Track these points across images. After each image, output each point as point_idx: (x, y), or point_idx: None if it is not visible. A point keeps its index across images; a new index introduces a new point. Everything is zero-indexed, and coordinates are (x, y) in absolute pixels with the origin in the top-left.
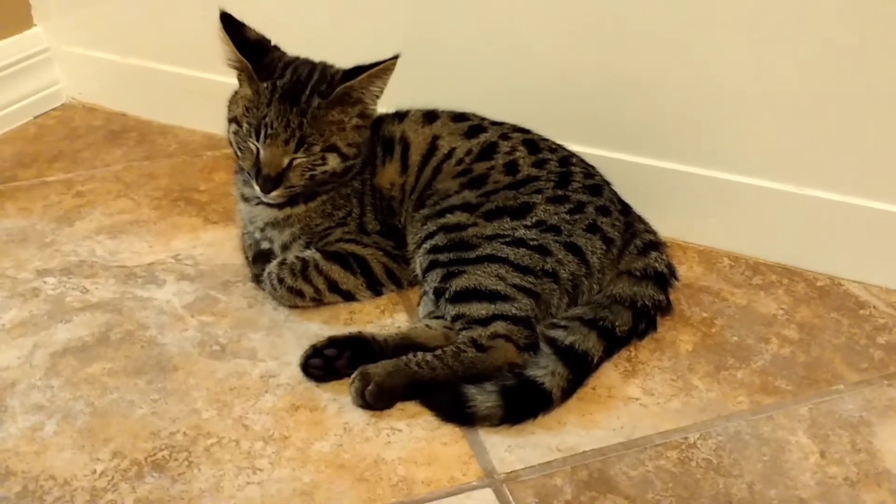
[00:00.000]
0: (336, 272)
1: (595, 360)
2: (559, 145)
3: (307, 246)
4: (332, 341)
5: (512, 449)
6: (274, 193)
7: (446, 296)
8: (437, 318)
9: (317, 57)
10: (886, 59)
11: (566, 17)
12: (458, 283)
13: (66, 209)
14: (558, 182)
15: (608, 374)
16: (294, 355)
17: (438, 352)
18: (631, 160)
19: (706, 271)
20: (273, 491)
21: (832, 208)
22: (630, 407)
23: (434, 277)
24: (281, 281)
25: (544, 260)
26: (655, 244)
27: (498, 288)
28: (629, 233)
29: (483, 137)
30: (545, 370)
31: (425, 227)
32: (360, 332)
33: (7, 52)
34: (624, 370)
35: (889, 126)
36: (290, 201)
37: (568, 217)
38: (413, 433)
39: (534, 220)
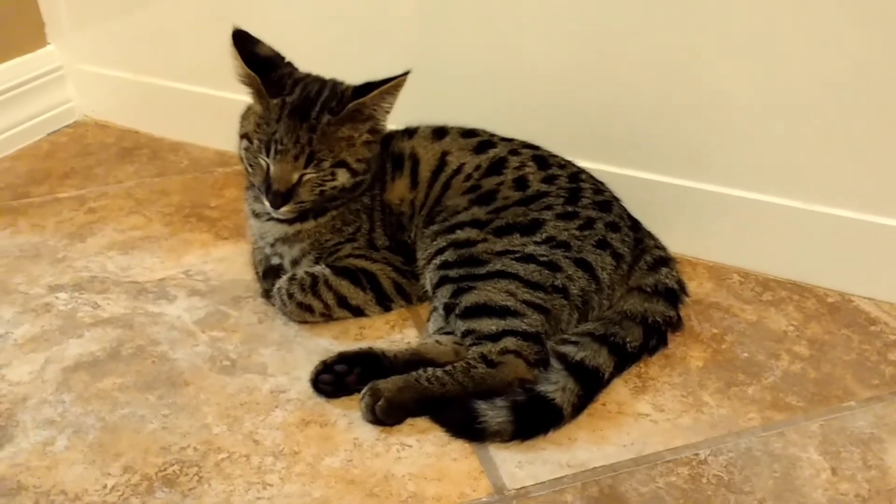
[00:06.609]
0: (345, 287)
1: (606, 376)
2: (568, 161)
3: (317, 261)
4: (343, 357)
5: (522, 465)
6: (284, 209)
7: (456, 311)
8: (447, 333)
9: (327, 74)
10: None
11: (575, 32)
12: (468, 299)
13: (79, 225)
14: (568, 198)
15: (618, 390)
16: (304, 371)
17: (449, 367)
18: (640, 176)
19: (716, 287)
20: None
21: (842, 224)
22: (640, 423)
23: (444, 293)
24: (291, 296)
25: (554, 276)
26: (665, 260)
27: (508, 304)
28: (639, 249)
29: (492, 153)
30: (556, 386)
31: (435, 242)
32: (370, 348)
33: (21, 70)
34: (634, 386)
35: None
36: (300, 217)
37: (578, 233)
38: (423, 449)
39: (543, 236)
